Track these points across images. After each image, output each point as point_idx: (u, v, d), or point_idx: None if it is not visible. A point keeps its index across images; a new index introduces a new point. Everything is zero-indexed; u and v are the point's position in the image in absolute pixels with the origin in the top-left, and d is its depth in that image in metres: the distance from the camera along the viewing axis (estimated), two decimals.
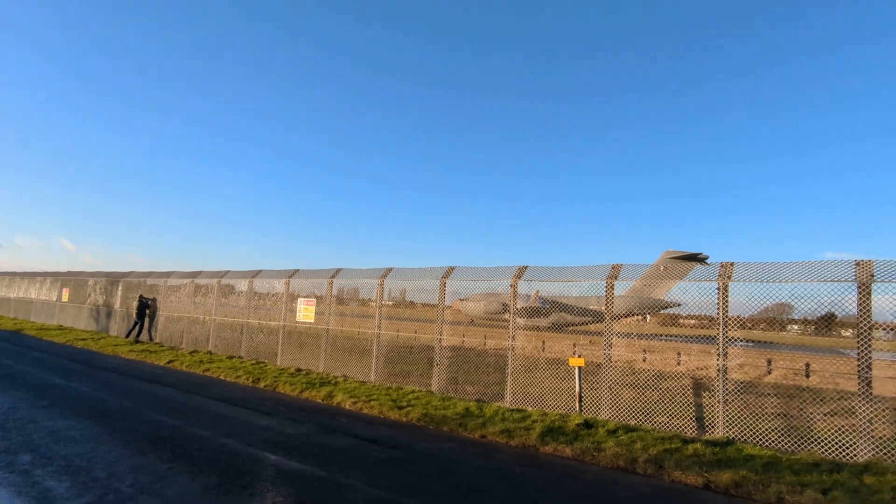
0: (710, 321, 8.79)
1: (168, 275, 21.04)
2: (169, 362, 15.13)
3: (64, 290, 27.18)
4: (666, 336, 10.47)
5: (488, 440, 7.99)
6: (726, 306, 8.27)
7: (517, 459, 7.04)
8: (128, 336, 20.48)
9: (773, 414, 8.30)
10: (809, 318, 8.46)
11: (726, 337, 8.18)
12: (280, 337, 15.37)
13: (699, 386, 8.91)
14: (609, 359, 9.17)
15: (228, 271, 18.45)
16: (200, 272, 19.65)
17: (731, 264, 8.44)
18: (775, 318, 8.69)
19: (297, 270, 15.86)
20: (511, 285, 10.60)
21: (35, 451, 6.35)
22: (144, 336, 20.34)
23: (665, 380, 9.09)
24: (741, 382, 8.24)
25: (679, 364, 9.89)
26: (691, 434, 8.12)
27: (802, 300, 8.02)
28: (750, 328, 8.45)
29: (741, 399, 8.10)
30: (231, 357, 16.09)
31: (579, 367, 9.39)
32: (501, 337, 10.88)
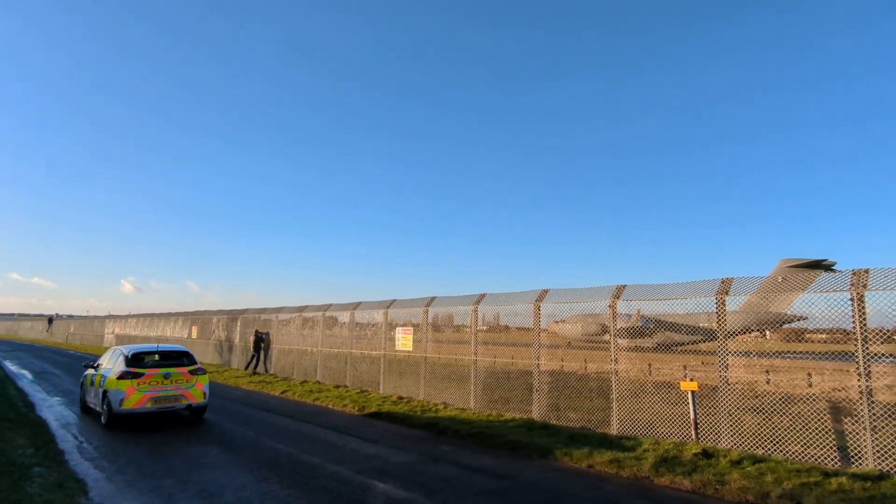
0: (844, 335, 7.79)
1: (279, 310, 22.68)
2: (282, 392, 16.18)
3: (193, 327, 30.22)
4: (791, 354, 9.43)
5: (596, 470, 7.61)
6: (864, 318, 7.30)
7: (630, 491, 6.62)
8: (246, 368, 22.24)
9: None
10: None
11: (867, 353, 7.20)
12: (381, 365, 15.88)
13: (838, 410, 7.87)
14: (726, 381, 8.43)
15: (331, 304, 19.52)
16: (306, 306, 20.97)
17: (866, 271, 7.47)
18: None
19: (394, 301, 16.41)
20: (609, 306, 10.17)
21: (175, 476, 7.06)
22: (261, 368, 21.94)
23: (795, 403, 8.13)
24: (892, 406, 7.17)
25: (810, 385, 8.82)
26: (833, 466, 7.17)
27: None
28: None
29: (894, 425, 7.03)
30: (337, 386, 16.87)
31: (692, 391, 8.71)
32: (603, 360, 10.39)
